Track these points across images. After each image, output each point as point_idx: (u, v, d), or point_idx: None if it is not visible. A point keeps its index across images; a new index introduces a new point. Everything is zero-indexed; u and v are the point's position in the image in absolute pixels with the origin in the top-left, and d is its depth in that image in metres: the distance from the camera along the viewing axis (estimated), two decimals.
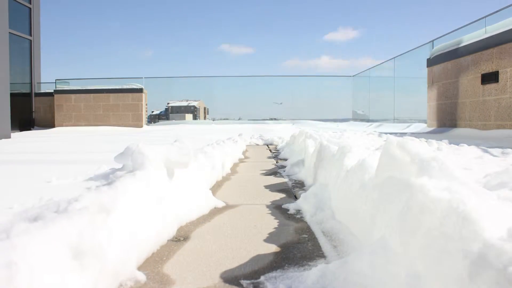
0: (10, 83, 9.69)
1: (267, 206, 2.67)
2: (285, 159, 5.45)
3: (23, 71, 15.43)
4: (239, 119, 20.37)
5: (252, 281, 1.44)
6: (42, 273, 0.98)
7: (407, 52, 14.55)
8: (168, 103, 34.05)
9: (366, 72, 19.34)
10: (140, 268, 1.57)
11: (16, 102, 13.70)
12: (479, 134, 8.70)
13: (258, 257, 1.69)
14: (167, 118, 29.12)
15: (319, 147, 3.23)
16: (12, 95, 9.89)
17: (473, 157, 3.40)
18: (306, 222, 2.23)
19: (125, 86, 16.17)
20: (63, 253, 1.06)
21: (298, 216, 2.38)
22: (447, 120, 10.65)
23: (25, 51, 15.27)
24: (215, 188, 3.31)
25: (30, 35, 15.27)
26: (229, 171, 4.36)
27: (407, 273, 1.04)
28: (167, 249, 1.82)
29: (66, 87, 16.53)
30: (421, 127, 12.44)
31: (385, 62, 16.90)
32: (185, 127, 16.14)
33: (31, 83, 15.87)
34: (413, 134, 8.73)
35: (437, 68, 11.21)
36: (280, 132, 10.37)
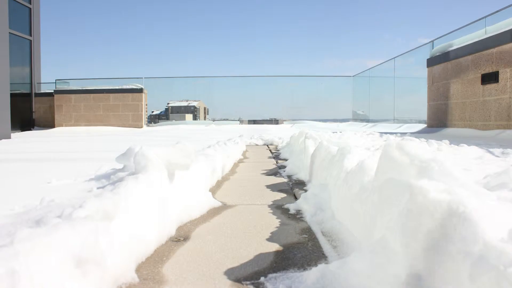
0: (10, 83, 9.69)
1: (267, 206, 2.67)
2: (285, 159, 5.45)
3: (23, 71, 15.44)
4: (239, 119, 20.36)
5: (252, 281, 1.44)
6: (43, 282, 0.97)
7: (407, 52, 14.56)
8: (168, 103, 34.04)
9: (366, 72, 19.35)
10: (140, 268, 1.57)
11: (16, 102, 13.70)
12: (478, 134, 8.73)
13: (258, 257, 1.69)
14: (167, 118, 29.12)
15: (319, 147, 3.23)
16: (12, 95, 9.89)
17: (473, 158, 3.40)
18: (306, 222, 2.23)
19: (125, 86, 16.17)
20: (65, 261, 1.06)
21: (298, 216, 2.38)
22: (447, 120, 10.65)
23: (25, 51, 15.28)
24: (215, 188, 3.31)
25: (30, 35, 15.27)
26: (229, 171, 4.36)
27: (407, 274, 1.04)
28: (167, 249, 1.82)
29: (66, 87, 16.54)
30: (414, 127, 12.52)
31: (385, 62, 16.91)
32: (185, 128, 16.14)
33: (31, 83, 15.88)
34: (412, 134, 8.73)
35: (437, 68, 11.21)
36: (279, 133, 10.37)
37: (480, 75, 9.22)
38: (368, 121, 18.64)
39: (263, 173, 4.27)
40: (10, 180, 3.03)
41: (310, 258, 1.68)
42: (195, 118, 28.95)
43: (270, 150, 7.28)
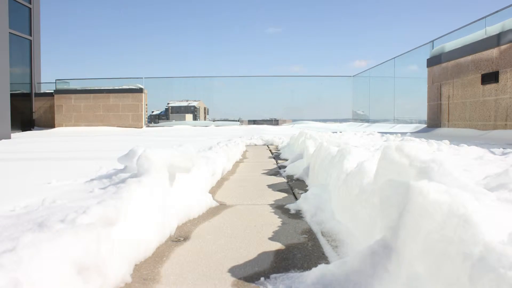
0: (10, 83, 9.69)
1: (268, 206, 2.67)
2: (286, 159, 5.46)
3: (23, 71, 15.44)
4: (239, 119, 20.37)
5: (252, 281, 1.44)
6: None
7: (407, 52, 14.56)
8: (168, 103, 34.05)
9: (366, 72, 19.36)
10: (140, 269, 1.57)
11: (16, 102, 13.70)
12: (471, 134, 8.78)
13: (258, 257, 1.69)
14: (167, 118, 29.13)
15: (319, 148, 3.23)
16: (12, 95, 9.90)
17: (473, 158, 3.40)
18: (306, 222, 2.23)
19: (125, 86, 16.18)
20: (68, 269, 1.06)
21: (298, 216, 2.38)
22: (447, 119, 10.65)
23: (25, 51, 15.28)
24: (216, 188, 3.31)
25: (30, 35, 15.27)
26: (230, 171, 4.37)
27: (408, 274, 1.04)
28: (167, 249, 1.82)
29: (66, 87, 16.55)
30: (414, 127, 12.55)
31: (385, 62, 16.92)
32: (185, 128, 16.14)
33: (31, 83, 15.88)
34: (412, 134, 8.74)
35: (437, 68, 11.22)
36: (279, 134, 10.37)
37: (480, 75, 9.22)
38: (368, 121, 18.65)
39: (263, 173, 4.27)
40: (11, 180, 3.04)
41: (310, 258, 1.69)
42: (195, 118, 28.95)
43: (270, 150, 7.28)
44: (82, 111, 16.12)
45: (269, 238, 1.96)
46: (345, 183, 2.02)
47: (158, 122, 22.13)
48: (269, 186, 3.48)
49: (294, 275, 1.45)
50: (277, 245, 1.86)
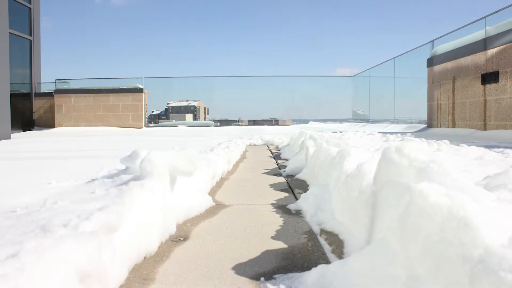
0: (10, 83, 9.69)
1: (268, 206, 2.67)
2: (286, 159, 5.46)
3: (23, 71, 15.44)
4: (239, 119, 20.37)
5: (252, 281, 1.44)
6: None
7: (407, 52, 14.56)
8: (168, 103, 34.05)
9: (366, 72, 19.36)
10: (140, 268, 1.58)
11: (16, 102, 13.71)
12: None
13: (258, 258, 1.69)
14: (167, 118, 29.12)
15: (318, 149, 3.24)
16: (12, 95, 9.89)
17: (473, 158, 3.40)
18: (306, 222, 2.24)
19: (125, 86, 16.18)
20: (70, 277, 1.05)
21: (298, 216, 2.38)
22: (447, 120, 10.66)
23: (25, 51, 15.28)
24: (216, 188, 3.32)
25: (30, 35, 15.27)
26: (230, 171, 4.37)
27: (408, 275, 1.04)
28: (167, 249, 1.82)
29: (66, 87, 16.54)
30: (414, 127, 12.59)
31: (385, 62, 16.92)
32: (185, 129, 16.15)
33: (31, 83, 15.88)
34: (412, 134, 8.74)
35: (437, 68, 11.22)
36: (279, 134, 10.37)
37: (480, 75, 9.23)
38: (368, 121, 18.65)
39: (263, 173, 4.28)
40: (11, 180, 3.03)
41: (310, 258, 1.69)
42: (195, 118, 28.95)
43: (270, 150, 7.28)
44: (82, 111, 16.12)
45: (269, 238, 1.97)
46: (345, 185, 2.02)
47: (158, 122, 22.13)
48: (269, 186, 3.48)
49: (294, 275, 1.45)
50: (277, 245, 1.86)
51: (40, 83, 16.59)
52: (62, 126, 15.94)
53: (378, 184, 1.48)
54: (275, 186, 3.45)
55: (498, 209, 1.01)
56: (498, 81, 8.61)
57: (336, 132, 9.41)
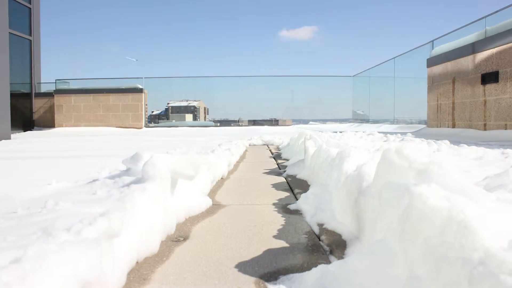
0: (10, 83, 9.68)
1: (268, 206, 2.67)
2: (286, 159, 5.46)
3: (23, 71, 15.44)
4: (239, 119, 20.37)
5: (253, 281, 1.44)
6: None
7: (407, 52, 14.56)
8: (168, 103, 34.05)
9: (366, 72, 19.35)
10: (140, 268, 1.58)
11: (16, 102, 13.71)
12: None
13: (258, 258, 1.69)
14: (167, 118, 29.12)
15: (318, 150, 3.25)
16: (12, 95, 9.89)
17: (473, 158, 3.40)
18: (306, 222, 2.24)
19: (125, 86, 16.18)
20: (71, 284, 1.06)
21: (298, 216, 2.39)
22: (447, 120, 10.66)
23: (25, 51, 15.28)
24: (216, 188, 3.32)
25: (30, 35, 15.27)
26: (231, 170, 4.37)
27: (408, 276, 1.04)
28: (167, 249, 1.83)
29: (66, 87, 16.54)
30: (414, 127, 12.63)
31: (385, 62, 16.92)
32: (185, 129, 16.15)
33: (31, 83, 15.88)
34: (411, 134, 8.75)
35: (437, 68, 11.22)
36: (279, 134, 10.37)
37: (480, 75, 9.23)
38: (368, 121, 18.65)
39: (263, 173, 4.28)
40: (12, 179, 3.03)
41: (310, 258, 1.69)
42: (195, 118, 28.94)
43: (270, 150, 7.28)
44: (82, 111, 16.12)
45: (270, 238, 1.97)
46: (344, 185, 2.03)
47: (158, 122, 22.14)
48: (269, 186, 3.48)
49: (294, 275, 1.46)
50: (277, 245, 1.86)
51: (40, 83, 16.59)
52: (62, 126, 15.94)
53: (378, 186, 1.48)
54: (275, 186, 3.45)
55: (498, 211, 1.01)
56: (498, 81, 8.61)
57: (336, 132, 9.42)
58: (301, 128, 14.21)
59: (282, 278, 1.45)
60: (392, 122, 15.92)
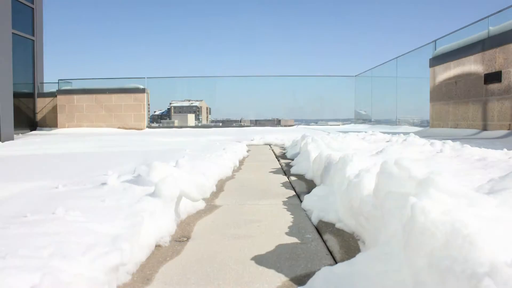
0: (13, 84, 9.70)
1: (271, 206, 2.68)
2: (291, 159, 5.47)
3: (26, 72, 15.47)
4: (241, 119, 20.37)
5: (255, 281, 1.45)
6: None
7: (409, 52, 14.52)
8: (170, 103, 34.07)
9: (368, 72, 19.30)
10: (143, 268, 1.59)
11: (19, 103, 13.75)
12: (479, 134, 8.78)
13: (261, 258, 1.70)
14: (170, 118, 29.15)
15: (321, 154, 3.29)
16: (15, 95, 9.91)
17: (477, 159, 3.40)
18: (311, 223, 2.24)
19: (127, 86, 16.18)
20: None
21: (303, 216, 2.39)
22: (449, 120, 10.64)
23: (28, 51, 15.31)
24: (218, 190, 3.32)
25: (33, 35, 15.31)
26: (235, 169, 4.39)
27: (414, 282, 1.04)
28: (171, 249, 1.83)
29: (68, 87, 16.56)
30: (410, 127, 12.65)
31: (387, 62, 16.88)
32: (186, 130, 16.17)
33: (33, 83, 15.91)
34: (414, 135, 8.72)
35: (439, 68, 11.19)
36: (282, 135, 10.36)
37: (482, 75, 9.20)
38: (370, 121, 18.62)
39: (267, 173, 4.28)
40: (11, 183, 3.04)
41: (313, 258, 1.69)
42: (197, 118, 28.96)
43: (273, 151, 7.28)
44: (84, 111, 16.13)
45: (273, 238, 1.97)
46: (347, 192, 2.05)
47: (161, 122, 22.15)
48: (273, 186, 3.48)
49: (296, 276, 1.46)
50: (281, 245, 1.87)
51: (43, 83, 16.61)
52: (65, 127, 15.95)
53: (380, 196, 1.49)
54: (279, 187, 3.45)
55: (502, 220, 1.01)
56: (501, 81, 8.58)
57: (338, 132, 9.41)
58: (304, 128, 14.20)
59: (285, 279, 1.46)
60: (395, 122, 15.88)
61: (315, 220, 2.26)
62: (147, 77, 17.41)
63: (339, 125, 18.82)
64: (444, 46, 11.15)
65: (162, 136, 10.73)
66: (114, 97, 16.04)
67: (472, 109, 9.63)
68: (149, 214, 1.83)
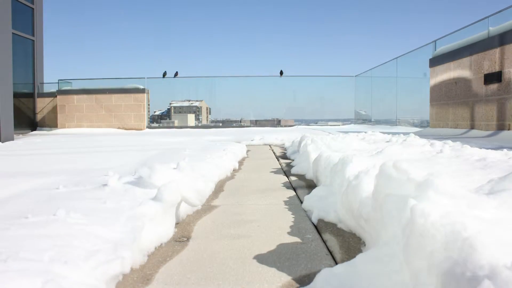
0: (13, 84, 9.69)
1: (271, 206, 2.68)
2: (291, 160, 5.47)
3: (26, 72, 15.47)
4: (241, 119, 20.37)
5: (255, 282, 1.45)
6: None
7: (409, 52, 14.52)
8: (170, 103, 34.08)
9: (368, 72, 19.30)
10: (143, 268, 1.59)
11: (19, 103, 13.75)
12: (480, 134, 8.80)
13: (261, 258, 1.70)
14: (169, 118, 29.14)
15: (320, 155, 3.29)
16: (15, 95, 9.90)
17: (476, 160, 3.40)
18: (311, 223, 2.25)
19: (127, 86, 16.18)
20: None
21: (303, 216, 2.39)
22: (450, 120, 10.64)
23: (28, 51, 15.31)
24: (218, 189, 3.32)
25: (33, 35, 15.30)
26: (235, 169, 4.39)
27: (415, 283, 1.04)
28: (170, 249, 1.84)
29: (68, 88, 16.56)
30: (410, 127, 12.66)
31: (387, 62, 16.87)
32: (186, 131, 16.18)
33: (33, 83, 15.91)
34: (414, 135, 8.73)
35: (439, 68, 11.20)
36: (281, 135, 10.36)
37: (482, 75, 9.21)
38: (370, 121, 18.62)
39: (267, 173, 4.28)
40: (12, 185, 3.05)
41: (314, 258, 1.69)
42: (197, 118, 28.95)
43: (273, 151, 7.29)
44: (84, 111, 16.13)
45: (274, 238, 1.97)
46: (346, 193, 2.05)
47: (161, 122, 22.16)
48: (273, 186, 3.48)
49: (296, 277, 1.46)
50: (281, 245, 1.87)
51: (43, 83, 16.60)
52: (65, 127, 15.95)
53: (378, 199, 1.49)
54: (279, 187, 3.45)
55: (501, 222, 1.01)
56: (501, 81, 8.58)
57: (338, 133, 9.41)
58: (304, 129, 14.20)
59: (286, 280, 1.46)
60: (395, 122, 15.88)
61: (315, 220, 2.27)
62: (147, 77, 17.42)
63: (339, 125, 18.81)
64: (444, 46, 11.15)
65: (162, 136, 10.74)
66: (114, 97, 16.03)
67: (472, 109, 9.63)
68: (149, 219, 1.82)
